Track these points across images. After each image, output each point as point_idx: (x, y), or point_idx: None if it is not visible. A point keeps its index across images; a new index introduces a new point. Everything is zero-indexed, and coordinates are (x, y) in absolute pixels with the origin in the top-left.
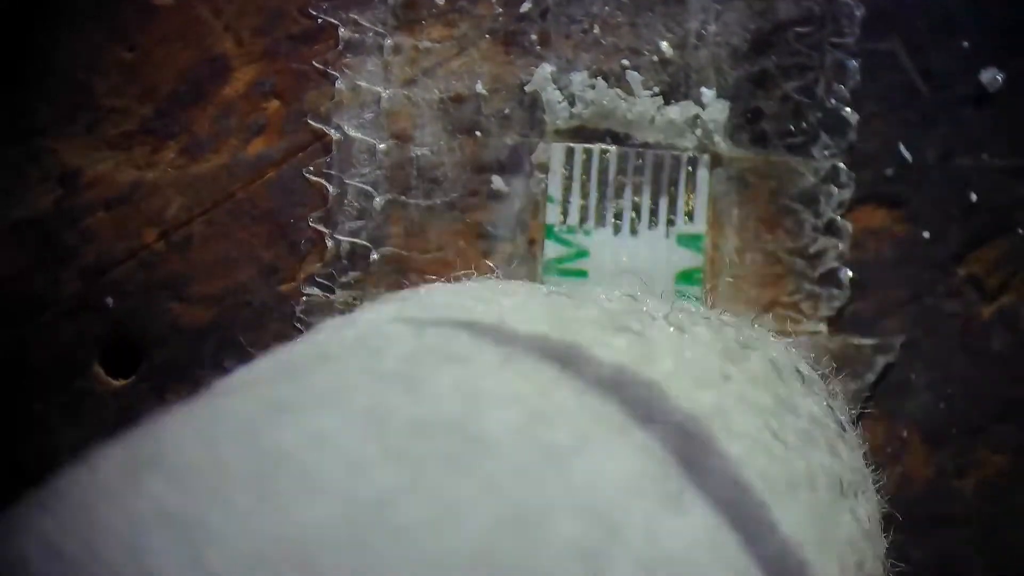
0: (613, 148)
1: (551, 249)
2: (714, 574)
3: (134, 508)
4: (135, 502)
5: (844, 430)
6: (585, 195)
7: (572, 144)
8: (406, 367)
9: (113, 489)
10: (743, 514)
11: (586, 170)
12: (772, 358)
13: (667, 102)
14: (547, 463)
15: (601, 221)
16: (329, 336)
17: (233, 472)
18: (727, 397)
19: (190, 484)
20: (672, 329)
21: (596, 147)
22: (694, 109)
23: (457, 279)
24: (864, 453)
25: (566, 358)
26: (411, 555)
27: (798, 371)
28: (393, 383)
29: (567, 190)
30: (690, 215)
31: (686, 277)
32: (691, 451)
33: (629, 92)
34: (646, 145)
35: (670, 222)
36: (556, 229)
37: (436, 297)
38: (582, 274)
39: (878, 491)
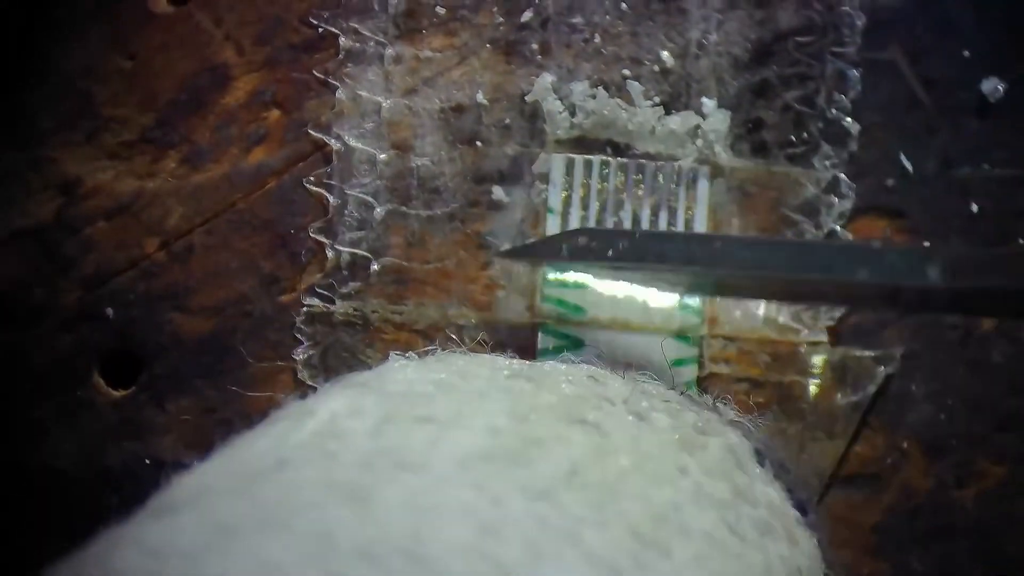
0: (613, 160)
1: None
2: None
3: None
4: None
5: (805, 513)
6: (585, 206)
7: (572, 155)
8: (359, 476)
9: None
10: None
11: (586, 181)
12: (731, 444)
13: (668, 112)
14: None
15: None
16: (287, 430)
17: None
18: (683, 492)
19: None
20: (631, 418)
21: (596, 158)
22: (695, 119)
23: (423, 354)
24: (822, 537)
25: (521, 459)
26: None
27: (758, 452)
28: (344, 498)
29: (567, 201)
30: (690, 227)
31: None
32: (643, 556)
33: (630, 102)
34: (647, 156)
35: None
36: None
37: (396, 384)
38: (581, 286)
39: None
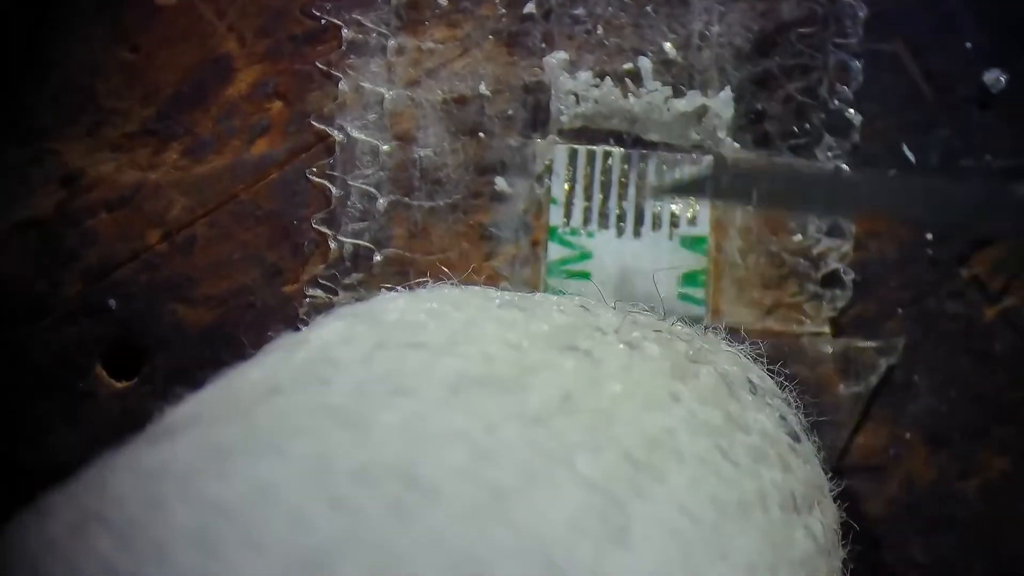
0: (616, 150)
1: (554, 251)
2: None
3: (80, 565)
4: (81, 558)
5: (798, 440)
6: (588, 197)
7: (576, 146)
8: (352, 402)
9: (60, 543)
10: (691, 543)
11: (589, 171)
12: (723, 372)
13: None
14: (490, 505)
15: (604, 223)
16: (280, 360)
17: (176, 528)
18: (676, 419)
19: (134, 541)
20: (622, 347)
21: (599, 149)
22: (701, 99)
23: (413, 287)
24: (821, 460)
25: (514, 385)
26: None
27: (750, 381)
28: (338, 422)
29: (570, 192)
30: (693, 217)
31: (690, 279)
32: (638, 480)
33: (632, 93)
34: (650, 146)
35: (673, 224)
36: (559, 231)
37: (388, 313)
38: (585, 276)
39: (835, 499)
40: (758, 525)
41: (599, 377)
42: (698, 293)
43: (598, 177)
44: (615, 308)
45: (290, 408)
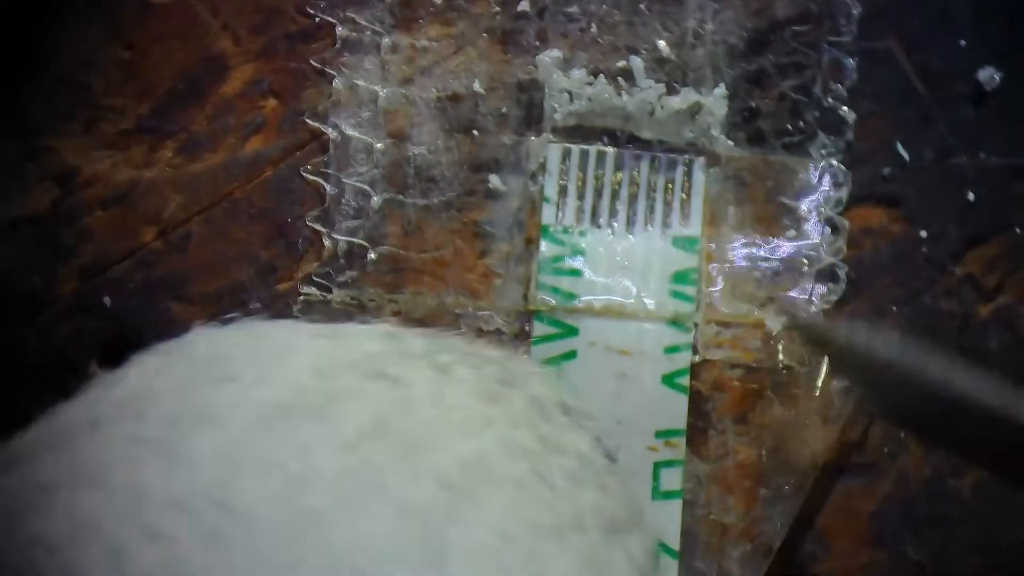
0: (610, 149)
1: (547, 248)
2: None
3: None
4: None
5: (615, 461)
6: (581, 195)
7: (569, 144)
8: (166, 432)
9: None
10: (509, 567)
11: (582, 170)
12: (535, 395)
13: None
14: (306, 531)
15: (596, 221)
16: (98, 395)
17: (2, 568)
18: (489, 443)
19: None
20: (432, 371)
21: (593, 147)
22: (695, 96)
23: (225, 321)
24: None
25: (325, 413)
26: None
27: (563, 404)
28: (153, 453)
29: (563, 190)
30: (685, 217)
31: (681, 277)
32: (453, 505)
33: (626, 90)
34: (643, 145)
35: (666, 224)
36: (552, 229)
37: (199, 347)
38: (576, 273)
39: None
40: (576, 547)
41: (410, 401)
42: (689, 290)
43: (591, 176)
44: (425, 335)
45: (108, 441)
